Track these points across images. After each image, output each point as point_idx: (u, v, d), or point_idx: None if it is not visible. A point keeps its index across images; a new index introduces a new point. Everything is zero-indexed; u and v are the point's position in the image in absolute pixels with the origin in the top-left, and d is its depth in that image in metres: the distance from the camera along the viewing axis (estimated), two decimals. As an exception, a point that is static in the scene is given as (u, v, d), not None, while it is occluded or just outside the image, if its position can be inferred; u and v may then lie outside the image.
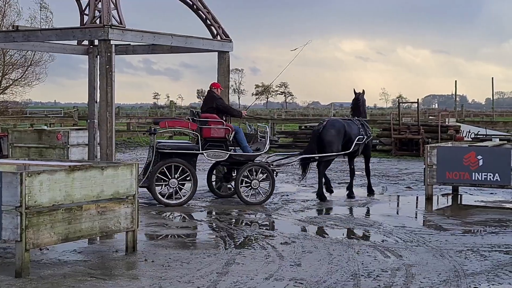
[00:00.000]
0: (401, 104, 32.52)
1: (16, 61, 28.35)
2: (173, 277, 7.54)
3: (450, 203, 14.07)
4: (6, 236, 7.37)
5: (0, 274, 7.51)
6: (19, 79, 28.88)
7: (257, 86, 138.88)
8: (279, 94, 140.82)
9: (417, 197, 14.61)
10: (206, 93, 13.99)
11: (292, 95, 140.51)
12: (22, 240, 7.28)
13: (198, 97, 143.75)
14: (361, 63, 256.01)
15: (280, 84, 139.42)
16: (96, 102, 14.83)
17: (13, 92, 29.67)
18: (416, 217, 12.44)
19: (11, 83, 28.76)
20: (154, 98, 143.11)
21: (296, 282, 7.44)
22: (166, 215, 11.87)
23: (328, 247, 9.28)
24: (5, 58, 27.67)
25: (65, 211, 7.75)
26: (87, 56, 15.62)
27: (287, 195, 14.64)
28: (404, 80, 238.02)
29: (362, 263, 8.32)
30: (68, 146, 18.57)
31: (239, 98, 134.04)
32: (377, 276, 7.74)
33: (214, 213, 12.31)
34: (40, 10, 27.98)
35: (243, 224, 11.12)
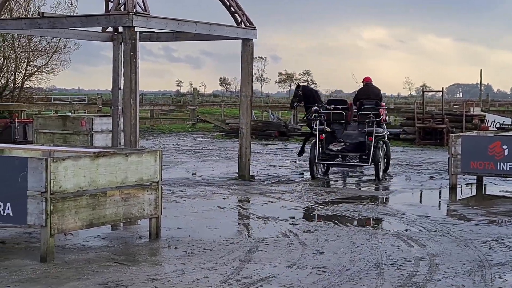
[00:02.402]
0: (425, 93, 32.27)
1: (41, 47, 28.51)
2: (196, 264, 7.56)
3: (474, 193, 13.97)
4: (31, 221, 7.43)
5: (26, 259, 7.58)
6: (44, 66, 29.04)
7: (280, 74, 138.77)
8: (302, 82, 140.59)
9: (440, 187, 14.52)
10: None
11: (315, 83, 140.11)
12: (47, 225, 7.34)
13: (221, 85, 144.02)
14: (382, 51, 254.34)
15: (303, 72, 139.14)
16: (120, 89, 14.86)
17: (38, 78, 29.87)
18: (439, 207, 12.38)
19: (36, 69, 28.90)
20: (177, 85, 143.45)
21: (319, 270, 7.43)
22: (188, 202, 11.91)
23: (351, 235, 9.26)
24: (30, 45, 27.82)
25: (89, 197, 7.79)
26: (111, 43, 15.66)
27: (309, 183, 14.62)
28: (426, 69, 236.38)
29: (386, 252, 8.30)
30: (92, 132, 18.67)
31: (261, 86, 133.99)
32: (400, 265, 7.71)
33: (237, 200, 12.33)
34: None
35: (266, 211, 11.12)
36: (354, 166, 16.08)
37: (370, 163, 15.20)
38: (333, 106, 16.17)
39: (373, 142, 15.22)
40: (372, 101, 15.96)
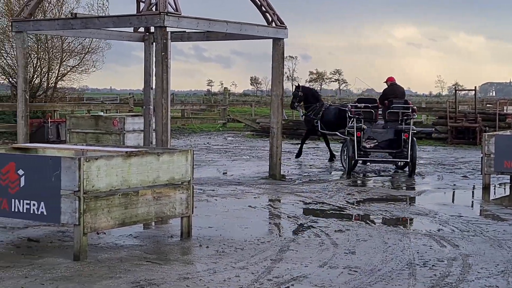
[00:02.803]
0: (458, 92, 31.97)
1: (73, 48, 28.76)
2: (228, 263, 7.58)
3: (507, 193, 13.80)
4: (64, 220, 7.51)
5: (59, 257, 7.67)
6: (77, 66, 29.29)
7: (311, 73, 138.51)
8: (333, 81, 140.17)
9: (473, 186, 14.38)
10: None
11: (346, 82, 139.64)
12: (80, 224, 7.41)
13: (251, 84, 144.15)
14: (413, 50, 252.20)
15: (334, 71, 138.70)
16: (152, 89, 14.96)
17: (71, 78, 30.14)
18: (472, 207, 12.26)
19: (68, 70, 29.17)
20: (208, 85, 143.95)
21: (350, 270, 7.40)
22: (219, 201, 11.94)
23: (383, 235, 9.21)
24: (63, 45, 28.09)
25: (121, 196, 7.85)
26: (143, 43, 15.75)
27: (341, 183, 14.57)
28: (458, 67, 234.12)
29: (418, 252, 8.24)
30: (124, 132, 18.81)
31: (292, 86, 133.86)
32: (433, 265, 7.65)
33: (268, 199, 12.33)
34: (97, -3, 28.34)
35: (297, 211, 11.10)
36: (391, 162, 16.58)
37: (408, 159, 15.58)
38: (363, 104, 16.37)
39: (409, 138, 15.55)
40: (400, 100, 16.40)
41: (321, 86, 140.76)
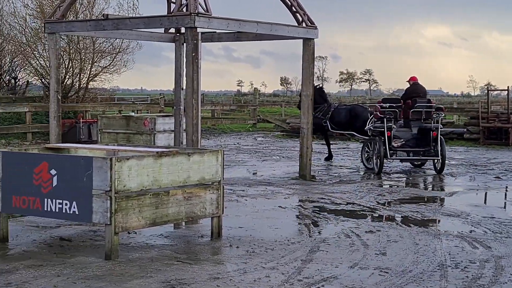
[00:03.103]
0: (490, 91, 31.61)
1: (105, 48, 28.97)
2: (258, 263, 7.58)
3: (541, 194, 13.63)
4: (96, 219, 7.57)
5: (91, 256, 7.73)
6: (108, 67, 29.49)
7: (341, 73, 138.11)
8: (363, 81, 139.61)
9: (506, 187, 14.22)
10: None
11: (376, 82, 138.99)
12: (112, 223, 7.46)
13: (281, 84, 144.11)
14: (444, 49, 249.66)
15: (364, 71, 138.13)
16: (182, 89, 15.02)
17: (102, 79, 30.36)
18: (505, 208, 12.12)
19: (100, 70, 29.39)
20: (238, 85, 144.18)
21: (381, 271, 7.36)
22: (249, 201, 11.95)
23: (414, 236, 9.14)
24: (94, 46, 28.32)
25: (152, 196, 7.89)
26: (173, 43, 15.82)
27: (372, 183, 14.50)
28: (491, 67, 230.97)
29: (449, 254, 8.16)
30: (155, 132, 18.90)
31: (322, 85, 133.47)
32: (465, 267, 7.58)
33: (298, 200, 12.31)
34: (127, -2, 28.59)
35: (327, 211, 11.08)
36: (421, 161, 16.74)
37: (439, 157, 15.90)
38: (388, 104, 16.56)
39: (438, 137, 15.93)
40: (424, 99, 16.73)
41: (351, 86, 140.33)
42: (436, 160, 16.20)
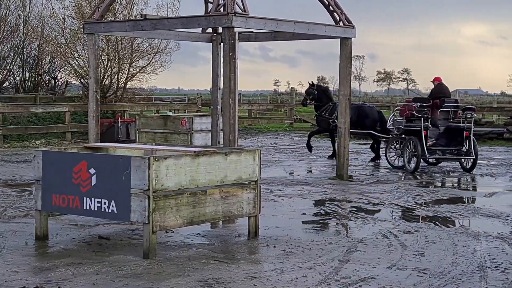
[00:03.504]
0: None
1: (143, 49, 29.18)
2: (295, 263, 7.57)
3: None
4: (134, 218, 7.63)
5: (129, 255, 7.79)
6: (146, 67, 29.70)
7: (378, 72, 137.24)
8: (401, 80, 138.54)
9: (547, 188, 13.98)
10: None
11: (414, 82, 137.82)
12: (150, 222, 7.51)
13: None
14: (482, 48, 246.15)
15: (402, 71, 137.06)
16: (220, 89, 15.06)
17: (140, 79, 30.58)
18: (546, 209, 11.92)
19: (138, 70, 29.62)
20: (274, 85, 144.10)
21: (419, 272, 7.30)
22: (286, 201, 11.94)
23: (453, 237, 9.05)
24: (132, 46, 28.53)
25: (190, 195, 7.93)
26: (210, 43, 15.88)
27: (409, 183, 14.39)
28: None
29: (489, 255, 8.06)
30: (192, 132, 18.99)
31: (359, 85, 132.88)
32: (505, 268, 7.48)
33: (335, 200, 12.26)
34: (168, -1, 28.75)
35: (365, 211, 11.02)
36: (457, 160, 16.83)
37: (474, 155, 16.16)
38: (419, 104, 16.83)
39: (471, 136, 16.26)
40: (451, 99, 17.18)
41: (389, 85, 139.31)
42: (467, 160, 16.40)
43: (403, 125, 16.75)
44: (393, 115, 18.02)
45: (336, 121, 18.62)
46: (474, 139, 16.41)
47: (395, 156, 17.10)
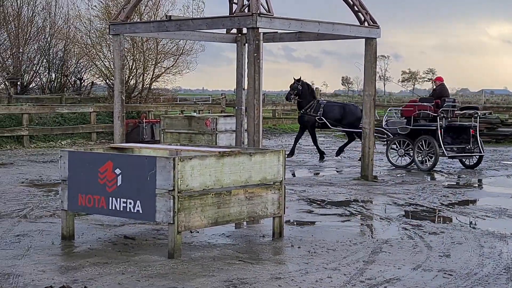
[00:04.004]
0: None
1: (168, 50, 29.29)
2: (319, 264, 7.56)
3: None
4: (159, 219, 7.66)
5: (154, 255, 7.83)
6: (171, 68, 29.81)
7: (403, 72, 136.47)
8: (426, 81, 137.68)
9: None
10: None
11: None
12: (175, 222, 7.54)
13: (342, 84, 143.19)
14: (508, 48, 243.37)
15: (427, 71, 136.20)
16: (244, 89, 15.09)
17: (165, 80, 30.70)
18: None
19: (163, 71, 29.74)
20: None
21: (445, 273, 7.25)
22: (310, 202, 11.92)
23: (479, 238, 8.98)
24: (158, 47, 28.66)
25: (214, 195, 7.95)
26: (234, 44, 15.90)
27: (435, 184, 14.30)
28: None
29: (516, 257, 7.99)
30: (217, 132, 19.05)
31: (384, 85, 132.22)
32: (532, 270, 7.40)
33: (360, 201, 12.22)
34: (193, 0, 28.81)
35: (389, 212, 10.96)
36: (468, 157, 17.27)
37: (483, 153, 16.98)
38: (428, 103, 17.24)
39: (477, 134, 16.89)
40: (450, 99, 17.42)
41: (413, 85, 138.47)
42: (473, 157, 17.09)
43: (411, 125, 16.92)
44: (386, 115, 18.71)
45: (324, 118, 18.83)
46: (479, 137, 16.93)
47: (397, 155, 17.42)
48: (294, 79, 19.67)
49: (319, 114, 18.97)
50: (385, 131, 18.07)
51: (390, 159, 17.51)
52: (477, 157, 16.96)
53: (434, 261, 7.78)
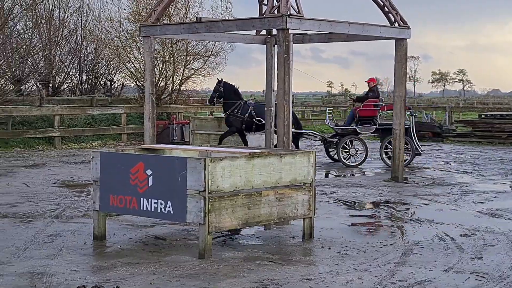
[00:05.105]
0: None
1: (197, 51, 29.40)
2: (350, 265, 7.54)
3: None
4: (190, 219, 7.69)
5: (184, 255, 7.87)
6: (200, 69, 29.93)
7: (433, 73, 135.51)
8: (457, 81, 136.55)
9: None
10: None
11: (470, 83, 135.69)
12: (205, 223, 7.57)
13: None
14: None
15: (457, 71, 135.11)
16: (273, 91, 15.08)
17: (194, 81, 30.81)
18: None
19: (192, 72, 29.86)
20: (327, 86, 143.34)
21: (477, 275, 7.19)
22: (339, 203, 11.89)
23: (511, 240, 8.89)
24: (187, 49, 28.78)
25: (245, 196, 7.97)
26: (263, 45, 15.91)
27: (466, 186, 14.18)
28: None
29: (549, 259, 7.89)
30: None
31: (414, 86, 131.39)
32: None
33: (390, 202, 12.16)
34: (221, 1, 28.84)
35: (420, 214, 10.89)
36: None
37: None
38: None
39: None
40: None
41: (444, 86, 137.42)
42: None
43: (377, 124, 17.91)
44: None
45: (263, 120, 17.77)
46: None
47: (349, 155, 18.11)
48: (218, 80, 19.20)
49: (250, 115, 18.31)
50: (313, 134, 19.32)
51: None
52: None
53: (466, 263, 7.72)
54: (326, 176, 16.00)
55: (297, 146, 18.48)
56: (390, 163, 16.89)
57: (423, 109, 36.42)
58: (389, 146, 17.27)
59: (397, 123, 14.81)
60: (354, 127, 18.22)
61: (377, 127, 17.99)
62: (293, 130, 18.15)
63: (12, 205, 11.22)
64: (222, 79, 19.13)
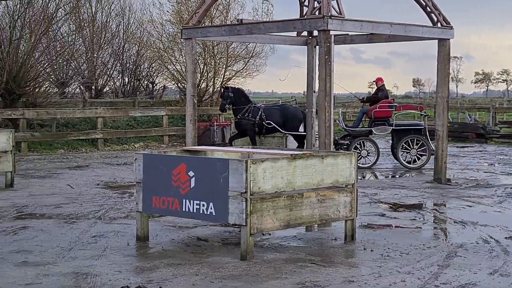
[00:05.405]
0: None
1: (238, 53, 29.47)
2: (393, 267, 7.48)
3: None
4: (232, 220, 7.72)
5: (226, 256, 7.90)
6: (241, 71, 30.00)
7: (476, 73, 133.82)
8: (501, 82, 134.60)
9: None
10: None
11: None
12: (247, 224, 7.58)
13: (413, 86, 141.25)
14: None
15: (501, 71, 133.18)
16: (315, 92, 15.05)
17: (235, 83, 30.89)
18: None
19: (233, 74, 29.94)
20: (368, 87, 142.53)
21: (523, 279, 7.08)
22: (381, 204, 11.81)
23: (558, 244, 8.73)
24: (228, 51, 28.88)
25: (286, 198, 7.96)
26: (302, 46, 15.87)
27: (511, 188, 13.96)
28: None
29: None
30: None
31: (457, 87, 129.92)
32: None
33: (432, 204, 12.04)
34: (262, 3, 28.90)
35: (464, 216, 10.76)
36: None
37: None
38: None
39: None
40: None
41: (487, 87, 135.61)
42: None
43: (389, 126, 17.87)
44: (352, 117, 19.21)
45: (273, 123, 18.12)
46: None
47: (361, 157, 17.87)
48: (223, 87, 19.19)
49: (260, 118, 18.24)
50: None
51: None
52: None
53: (511, 266, 7.60)
54: (364, 177, 15.90)
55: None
56: (407, 164, 17.39)
57: (466, 109, 35.98)
58: (406, 147, 17.50)
59: (440, 124, 14.65)
60: (370, 128, 18.01)
61: (393, 128, 17.85)
62: (302, 132, 18.25)
63: (56, 206, 11.39)
64: (227, 85, 19.56)
